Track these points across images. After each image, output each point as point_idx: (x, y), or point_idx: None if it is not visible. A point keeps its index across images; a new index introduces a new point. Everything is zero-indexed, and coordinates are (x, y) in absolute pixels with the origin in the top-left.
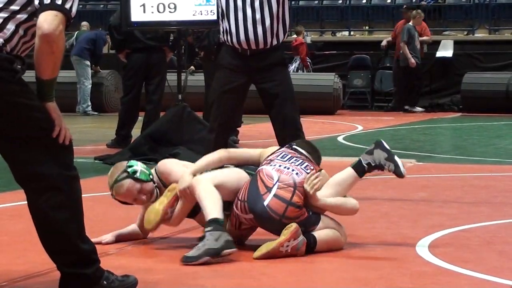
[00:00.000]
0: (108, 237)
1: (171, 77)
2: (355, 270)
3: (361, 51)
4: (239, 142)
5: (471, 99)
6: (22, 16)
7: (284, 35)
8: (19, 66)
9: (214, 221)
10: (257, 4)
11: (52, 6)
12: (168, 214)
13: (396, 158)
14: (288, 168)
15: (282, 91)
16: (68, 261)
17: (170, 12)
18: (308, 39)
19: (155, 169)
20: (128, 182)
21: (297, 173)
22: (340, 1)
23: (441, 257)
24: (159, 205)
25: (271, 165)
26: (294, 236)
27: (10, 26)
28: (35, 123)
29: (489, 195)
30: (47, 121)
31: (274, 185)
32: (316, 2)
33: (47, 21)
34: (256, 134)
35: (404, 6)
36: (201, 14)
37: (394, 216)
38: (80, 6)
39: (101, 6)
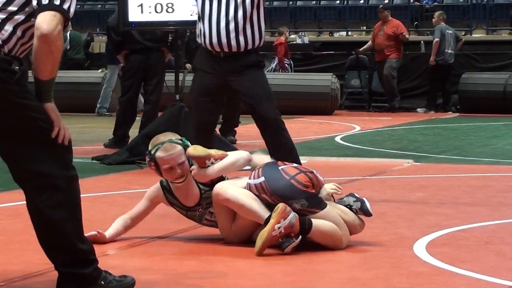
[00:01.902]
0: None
1: (169, 77)
2: (352, 270)
3: None
4: (237, 142)
5: (468, 99)
6: (20, 17)
7: (260, 40)
8: (17, 67)
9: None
10: (231, 7)
11: (51, 7)
12: (208, 163)
13: (364, 199)
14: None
15: (258, 93)
16: (66, 260)
17: (167, 12)
18: (306, 39)
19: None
20: (180, 148)
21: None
22: (338, 1)
23: (438, 257)
24: (205, 152)
25: None
26: (283, 216)
27: (8, 27)
28: (34, 123)
29: (487, 195)
30: (46, 121)
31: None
32: (314, 2)
33: (46, 21)
34: (254, 135)
35: (381, 6)
36: None
37: (391, 216)
38: (78, 6)
39: (99, 6)
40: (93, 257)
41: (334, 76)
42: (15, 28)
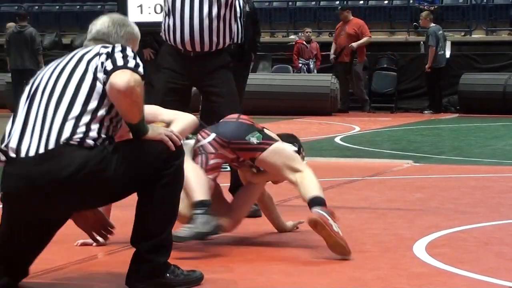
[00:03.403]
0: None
1: None
2: (351, 270)
3: None
4: None
5: (468, 100)
6: (102, 113)
7: (230, 39)
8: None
9: (202, 203)
10: (205, 4)
11: (115, 68)
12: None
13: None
14: None
15: (225, 95)
16: (153, 245)
17: None
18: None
19: None
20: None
21: None
22: (337, 2)
23: (438, 258)
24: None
25: None
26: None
27: (94, 126)
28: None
29: (486, 196)
30: (159, 154)
31: None
32: (314, 3)
33: (117, 77)
34: None
35: (339, 7)
36: None
37: (391, 217)
38: (77, 7)
39: (98, 7)
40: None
41: (334, 76)
42: (101, 122)
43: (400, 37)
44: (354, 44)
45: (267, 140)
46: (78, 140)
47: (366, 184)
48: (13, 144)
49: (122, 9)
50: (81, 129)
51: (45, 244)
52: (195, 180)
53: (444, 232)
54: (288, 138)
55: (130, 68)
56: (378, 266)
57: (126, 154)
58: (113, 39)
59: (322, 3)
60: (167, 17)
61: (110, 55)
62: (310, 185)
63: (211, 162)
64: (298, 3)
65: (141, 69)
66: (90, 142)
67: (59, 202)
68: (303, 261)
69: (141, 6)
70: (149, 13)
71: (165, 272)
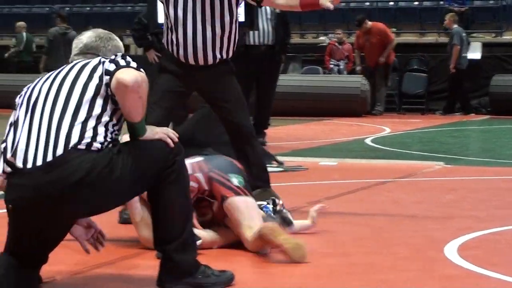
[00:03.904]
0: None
1: None
2: (382, 272)
3: None
4: (267, 144)
5: (499, 101)
6: (105, 119)
7: (234, 49)
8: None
9: None
10: (208, 19)
11: (121, 67)
12: None
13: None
14: None
15: (231, 100)
16: (178, 246)
17: None
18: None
19: None
20: None
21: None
22: (368, 3)
23: (469, 260)
24: None
25: None
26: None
27: (101, 130)
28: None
29: None
30: (161, 151)
31: None
32: (344, 4)
33: (124, 74)
34: (284, 136)
35: (356, 20)
36: None
37: (422, 218)
38: (108, 8)
39: (129, 8)
40: (195, 246)
41: (364, 78)
42: (106, 127)
43: (431, 38)
44: (382, 59)
45: (247, 190)
46: (86, 144)
47: (397, 186)
48: (19, 155)
49: (152, 10)
50: (89, 133)
51: (60, 240)
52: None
53: (475, 234)
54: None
55: (133, 67)
56: (409, 268)
57: (129, 154)
58: (101, 52)
59: (351, 4)
60: (169, 32)
61: (113, 60)
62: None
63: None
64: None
65: (143, 71)
66: (97, 145)
67: (70, 208)
68: (332, 263)
69: None
70: None
71: (196, 273)
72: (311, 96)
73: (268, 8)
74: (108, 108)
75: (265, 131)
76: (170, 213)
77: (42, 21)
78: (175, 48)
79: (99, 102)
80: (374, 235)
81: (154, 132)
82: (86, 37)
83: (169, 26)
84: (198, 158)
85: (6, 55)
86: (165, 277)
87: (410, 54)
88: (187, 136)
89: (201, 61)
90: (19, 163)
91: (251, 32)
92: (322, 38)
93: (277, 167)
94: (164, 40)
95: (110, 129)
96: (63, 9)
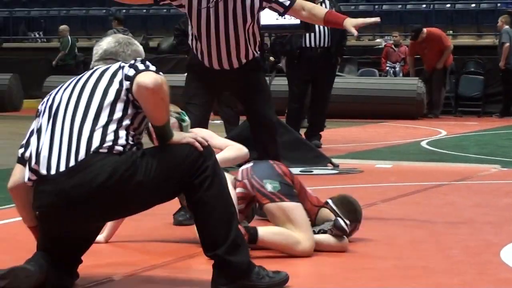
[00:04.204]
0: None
1: None
2: (437, 276)
3: None
4: (322, 146)
5: None
6: (127, 122)
7: (257, 51)
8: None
9: None
10: (231, 27)
11: (140, 71)
12: None
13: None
14: None
15: (260, 92)
16: (228, 249)
17: None
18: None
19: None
20: (173, 120)
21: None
22: (424, 6)
23: None
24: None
25: None
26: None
27: (122, 133)
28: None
29: None
30: (188, 155)
31: None
32: (400, 6)
33: (145, 77)
34: (339, 138)
35: (411, 32)
36: (284, 18)
37: (478, 222)
38: (164, 10)
39: (164, 10)
40: (246, 246)
41: (420, 80)
42: (127, 130)
43: (488, 40)
44: (440, 65)
45: (282, 195)
46: (108, 147)
47: (453, 189)
48: (43, 162)
49: None
50: (110, 136)
51: (89, 243)
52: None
53: None
54: (350, 214)
55: (153, 71)
56: (464, 272)
57: (155, 157)
58: (121, 57)
59: (408, 6)
60: (194, 39)
61: (132, 65)
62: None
63: (238, 190)
64: (385, 7)
65: (162, 74)
66: (119, 148)
67: (96, 212)
68: (387, 266)
69: None
70: None
71: (250, 274)
72: (367, 99)
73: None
74: (129, 112)
75: (321, 133)
76: (213, 222)
77: (99, 23)
78: (199, 55)
79: (119, 106)
80: (429, 238)
81: (182, 136)
82: (106, 43)
83: (193, 34)
84: (248, 165)
85: (54, 62)
86: (219, 279)
87: (467, 56)
88: (242, 137)
89: (226, 67)
90: (42, 170)
91: (307, 34)
92: (378, 40)
93: (332, 169)
94: (189, 42)
95: (132, 132)
96: (120, 12)
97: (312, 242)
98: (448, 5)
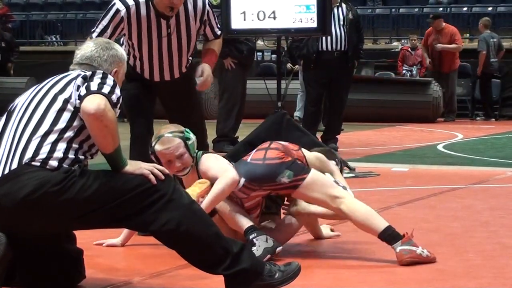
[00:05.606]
0: (117, 241)
1: (271, 84)
2: (454, 279)
3: (462, 58)
4: (339, 149)
5: None
6: (69, 134)
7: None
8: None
9: (253, 227)
10: (175, 53)
11: (88, 93)
12: (199, 201)
13: None
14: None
15: (191, 101)
16: (227, 266)
17: (270, 19)
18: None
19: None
20: (178, 141)
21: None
22: (441, 9)
23: None
24: (192, 192)
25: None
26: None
27: (61, 146)
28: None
29: None
30: (140, 184)
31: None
32: (417, 10)
33: (88, 102)
34: (355, 142)
35: (431, 15)
36: (301, 21)
37: (494, 225)
38: None
39: None
40: (247, 250)
41: (436, 83)
42: (69, 143)
43: (505, 44)
44: (439, 46)
45: (299, 175)
46: (41, 160)
47: (469, 192)
48: None
49: (226, 15)
50: (45, 149)
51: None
52: (235, 213)
53: None
54: (327, 153)
55: (103, 94)
56: (481, 275)
57: (96, 180)
58: (96, 62)
59: (425, 9)
60: (133, 58)
61: (88, 80)
62: (367, 215)
63: (247, 204)
64: (401, 10)
65: (114, 97)
66: (53, 163)
67: (23, 222)
68: (403, 270)
69: (244, 13)
70: (252, 20)
71: (262, 274)
72: (383, 102)
73: (340, 13)
74: (75, 124)
75: (337, 136)
76: (192, 248)
77: None
78: (141, 71)
79: (65, 116)
80: (446, 241)
81: (137, 167)
82: (85, 46)
83: (133, 54)
84: (242, 181)
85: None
86: (233, 285)
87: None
88: (259, 140)
89: (166, 78)
90: None
91: (323, 38)
92: (395, 43)
93: (348, 173)
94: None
95: (75, 146)
96: None
97: (346, 192)
98: (465, 9)
